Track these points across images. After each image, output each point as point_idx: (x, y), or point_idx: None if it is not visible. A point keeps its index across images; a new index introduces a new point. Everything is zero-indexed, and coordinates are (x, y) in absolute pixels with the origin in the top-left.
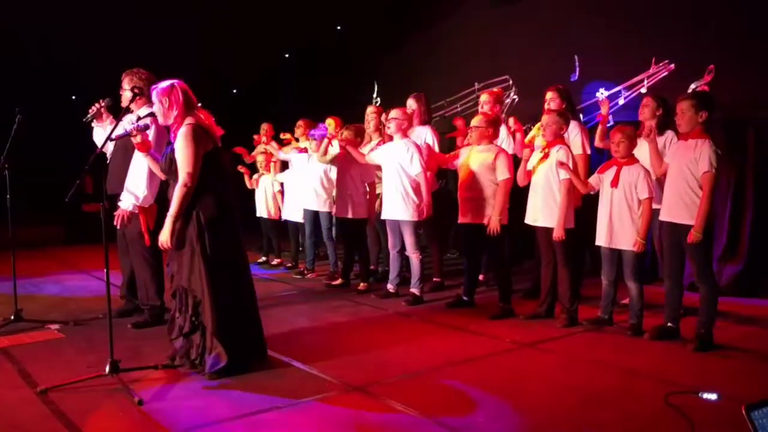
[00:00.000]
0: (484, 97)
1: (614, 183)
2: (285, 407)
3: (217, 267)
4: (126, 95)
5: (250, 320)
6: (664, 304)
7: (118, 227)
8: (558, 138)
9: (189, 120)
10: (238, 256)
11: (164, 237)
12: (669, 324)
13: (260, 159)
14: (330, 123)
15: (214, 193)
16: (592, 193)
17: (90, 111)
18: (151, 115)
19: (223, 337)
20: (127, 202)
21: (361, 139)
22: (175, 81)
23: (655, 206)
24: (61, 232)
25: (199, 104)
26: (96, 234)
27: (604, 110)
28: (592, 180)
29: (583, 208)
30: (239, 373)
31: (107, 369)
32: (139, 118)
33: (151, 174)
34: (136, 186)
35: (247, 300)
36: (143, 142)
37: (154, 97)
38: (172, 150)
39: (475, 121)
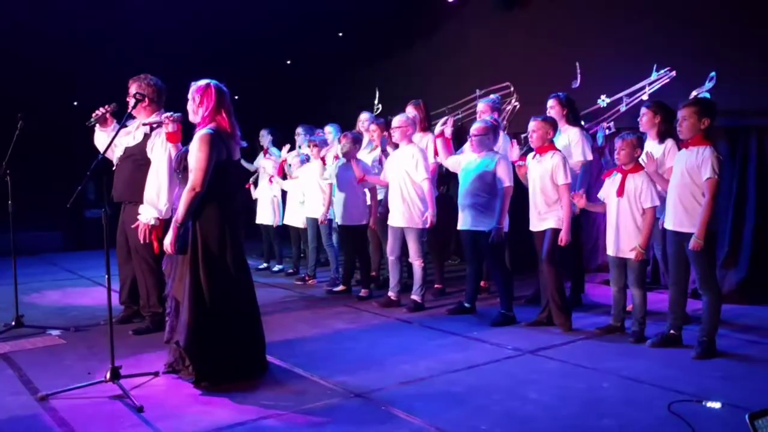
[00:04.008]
0: (480, 106)
1: (620, 192)
2: (286, 414)
3: (206, 283)
4: (133, 101)
5: (247, 335)
6: (668, 311)
7: (142, 241)
8: (547, 143)
9: (211, 125)
10: (236, 270)
11: (167, 242)
12: (671, 331)
13: (268, 165)
14: (329, 131)
15: (217, 205)
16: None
17: (94, 115)
18: (157, 125)
19: (192, 352)
20: (147, 215)
21: (359, 146)
22: (212, 81)
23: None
24: (61, 238)
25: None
26: (97, 240)
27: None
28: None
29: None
30: (228, 381)
31: (108, 375)
32: (151, 128)
33: (170, 185)
34: (157, 198)
35: (243, 316)
36: (174, 133)
37: (190, 93)
38: (187, 151)
39: (474, 129)
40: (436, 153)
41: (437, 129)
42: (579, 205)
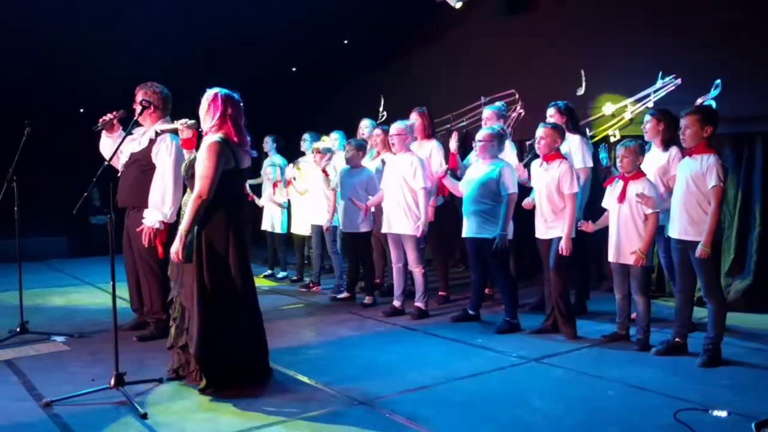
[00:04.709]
0: (486, 113)
1: (621, 199)
2: (290, 421)
3: (212, 289)
4: (139, 108)
5: (250, 342)
6: (674, 319)
7: (146, 245)
8: (554, 151)
9: (219, 134)
10: (240, 277)
11: (175, 249)
12: (677, 339)
13: (270, 170)
14: (335, 137)
15: (225, 213)
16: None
17: (101, 120)
18: (172, 131)
19: (204, 359)
20: (152, 219)
21: (362, 153)
22: (221, 90)
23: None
24: (67, 244)
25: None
26: (102, 246)
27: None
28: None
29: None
30: (233, 387)
31: (112, 382)
32: (157, 134)
33: (175, 189)
34: (161, 202)
35: (247, 322)
36: (190, 140)
37: (202, 101)
38: (195, 159)
39: (479, 135)
40: (442, 192)
41: (436, 169)
42: (588, 230)
